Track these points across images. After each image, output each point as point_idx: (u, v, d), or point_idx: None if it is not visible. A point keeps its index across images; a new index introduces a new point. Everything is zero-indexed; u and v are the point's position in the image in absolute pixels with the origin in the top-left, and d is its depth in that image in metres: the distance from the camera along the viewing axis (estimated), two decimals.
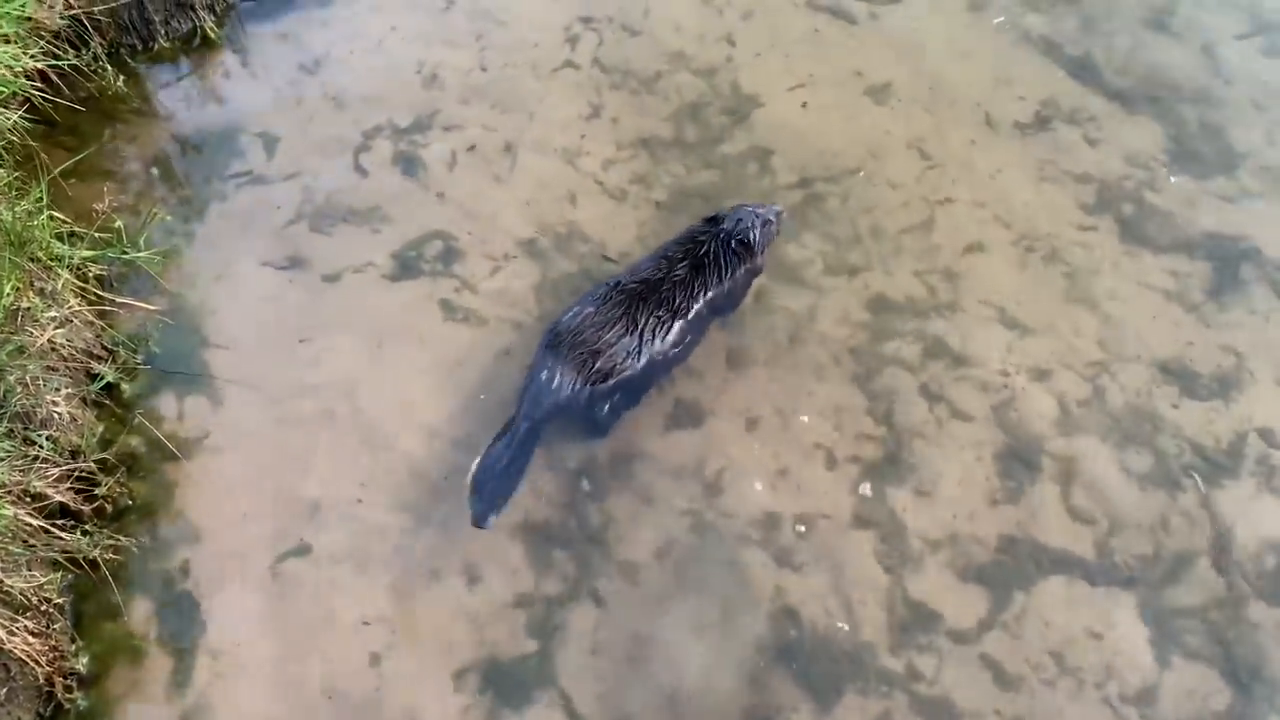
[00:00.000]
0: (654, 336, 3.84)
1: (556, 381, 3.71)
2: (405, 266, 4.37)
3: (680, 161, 4.75)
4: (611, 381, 3.79)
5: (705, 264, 3.97)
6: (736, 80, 5.07)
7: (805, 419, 4.01)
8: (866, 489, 3.82)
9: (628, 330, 3.80)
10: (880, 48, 5.24)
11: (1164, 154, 4.85)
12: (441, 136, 4.80)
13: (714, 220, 4.10)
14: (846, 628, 3.55)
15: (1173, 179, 4.73)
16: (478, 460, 3.57)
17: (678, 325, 3.90)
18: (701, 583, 3.63)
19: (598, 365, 3.75)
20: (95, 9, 4.72)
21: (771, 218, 4.14)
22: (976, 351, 4.20)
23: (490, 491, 3.53)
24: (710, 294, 3.98)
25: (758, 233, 4.05)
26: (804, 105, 4.98)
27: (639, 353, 3.81)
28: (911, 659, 3.49)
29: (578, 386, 3.73)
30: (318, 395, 4.01)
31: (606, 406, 3.85)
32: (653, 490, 3.85)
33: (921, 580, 3.64)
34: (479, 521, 3.48)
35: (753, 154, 4.80)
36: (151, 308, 4.12)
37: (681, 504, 3.82)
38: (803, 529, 3.74)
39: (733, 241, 4.01)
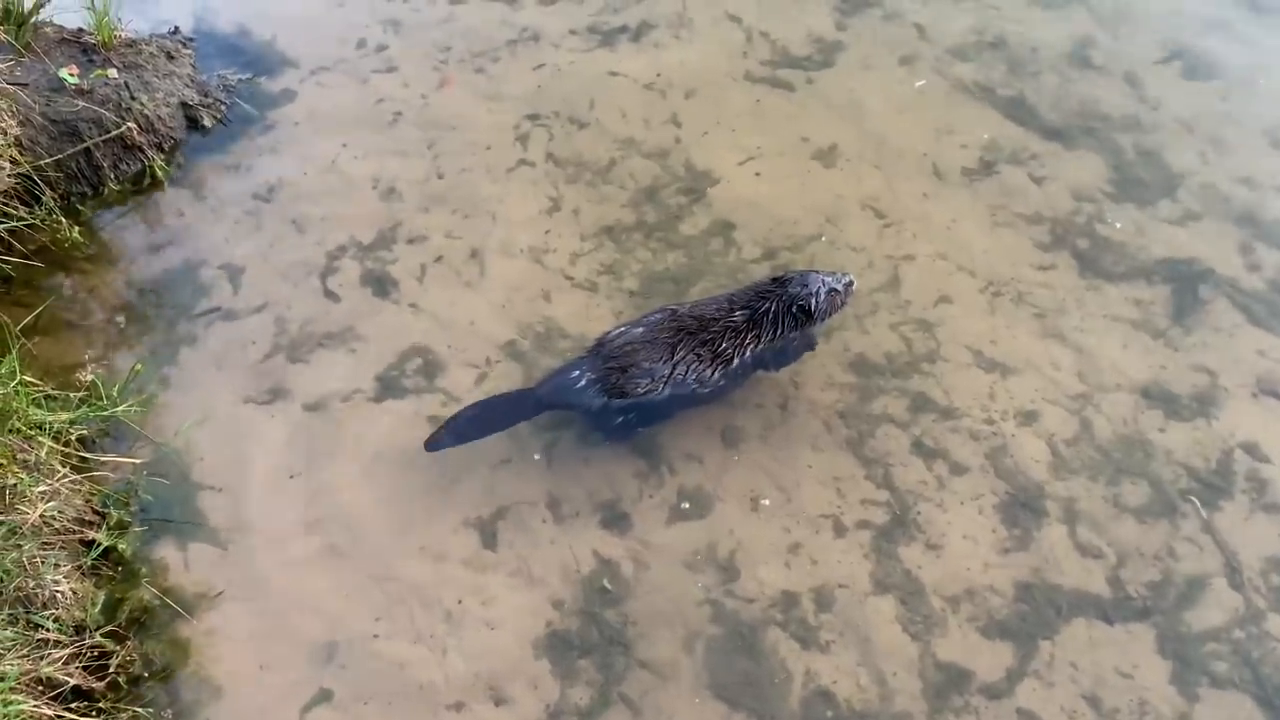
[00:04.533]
0: (686, 371, 3.91)
1: (582, 383, 3.87)
2: (388, 387, 4.33)
3: (645, 246, 4.80)
4: (628, 400, 3.89)
5: (764, 320, 4.01)
6: (689, 159, 5.16)
7: (806, 490, 4.05)
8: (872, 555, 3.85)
9: (661, 358, 3.88)
10: (821, 112, 5.38)
11: (1108, 184, 5.03)
12: (407, 250, 4.80)
13: (780, 281, 4.07)
14: (880, 701, 3.55)
15: (1117, 224, 4.88)
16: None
17: (714, 368, 3.96)
18: (731, 675, 3.61)
19: (619, 382, 3.86)
20: (43, 162, 4.68)
21: (839, 287, 4.10)
22: (962, 401, 4.28)
23: (457, 428, 3.91)
24: (759, 348, 4.04)
25: (821, 300, 4.03)
26: (757, 175, 5.09)
27: (664, 382, 3.90)
28: None
29: (595, 394, 3.87)
30: (318, 531, 3.94)
31: (619, 420, 3.97)
32: (668, 584, 3.83)
33: (947, 641, 3.66)
34: (427, 444, 3.88)
35: (715, 230, 4.87)
36: (137, 461, 4.02)
37: (698, 594, 3.80)
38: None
39: (794, 306, 4.01)
